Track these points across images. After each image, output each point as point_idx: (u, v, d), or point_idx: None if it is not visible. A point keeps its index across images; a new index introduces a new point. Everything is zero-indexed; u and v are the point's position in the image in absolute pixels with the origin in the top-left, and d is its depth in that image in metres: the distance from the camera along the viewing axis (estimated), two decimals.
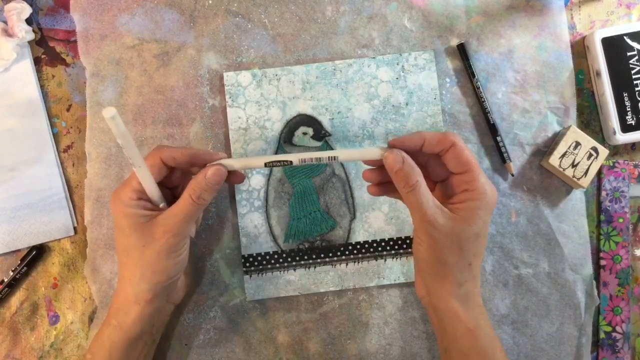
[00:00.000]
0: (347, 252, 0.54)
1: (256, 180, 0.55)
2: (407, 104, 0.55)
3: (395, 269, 0.54)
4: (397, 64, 0.55)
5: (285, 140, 0.55)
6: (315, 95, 0.55)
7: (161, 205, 0.46)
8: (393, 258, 0.54)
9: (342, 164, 0.55)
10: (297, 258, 0.54)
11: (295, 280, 0.54)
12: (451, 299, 0.44)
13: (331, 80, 0.55)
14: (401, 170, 0.43)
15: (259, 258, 0.54)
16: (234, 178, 0.48)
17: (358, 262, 0.54)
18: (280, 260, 0.54)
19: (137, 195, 0.45)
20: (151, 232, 0.44)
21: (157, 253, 0.45)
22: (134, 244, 0.45)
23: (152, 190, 0.45)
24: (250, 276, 0.54)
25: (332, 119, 0.55)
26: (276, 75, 0.55)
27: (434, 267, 0.44)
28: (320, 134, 0.55)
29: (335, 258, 0.54)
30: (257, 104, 0.55)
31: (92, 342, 0.48)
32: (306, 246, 0.54)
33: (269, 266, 0.54)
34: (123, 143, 0.41)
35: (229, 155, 0.55)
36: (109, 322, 0.47)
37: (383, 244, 0.54)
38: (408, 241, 0.54)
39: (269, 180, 0.55)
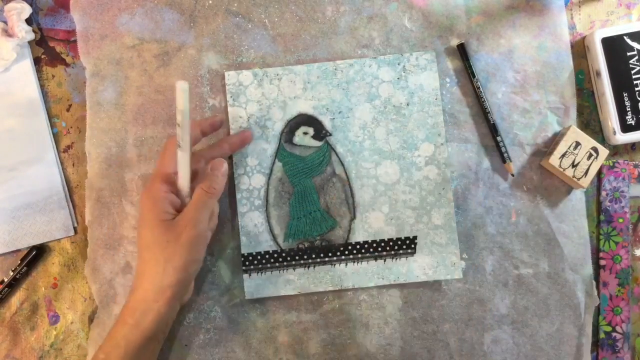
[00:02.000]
0: (346, 252, 0.54)
1: (257, 179, 0.55)
2: (408, 104, 0.55)
3: (394, 270, 0.54)
4: (399, 64, 0.55)
5: (286, 140, 0.55)
6: (316, 95, 0.55)
7: (187, 201, 0.48)
8: (392, 259, 0.54)
9: (342, 164, 0.55)
10: (297, 257, 0.54)
11: (294, 280, 0.54)
12: None
13: (332, 80, 0.55)
14: None
15: (259, 257, 0.54)
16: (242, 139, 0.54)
17: (357, 262, 0.54)
18: (280, 259, 0.54)
19: (168, 189, 0.47)
20: (174, 228, 0.46)
21: (180, 247, 0.46)
22: (158, 240, 0.46)
23: (185, 178, 0.47)
24: (250, 275, 0.54)
25: (333, 118, 0.55)
26: (277, 74, 0.55)
27: None
28: (321, 134, 0.55)
29: (334, 258, 0.54)
30: (258, 103, 0.55)
31: (104, 341, 0.48)
32: (306, 246, 0.54)
33: (269, 265, 0.54)
34: (181, 121, 0.43)
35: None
36: (124, 320, 0.47)
37: (383, 244, 0.54)
38: (408, 242, 0.54)
39: (269, 179, 0.55)
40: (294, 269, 0.54)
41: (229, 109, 0.55)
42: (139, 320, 0.46)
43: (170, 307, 0.47)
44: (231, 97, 0.55)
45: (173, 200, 0.47)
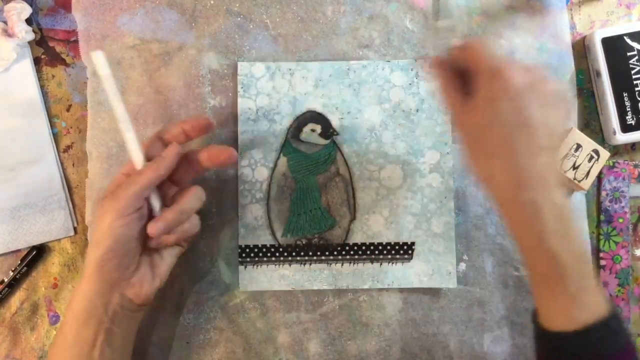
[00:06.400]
0: (343, 252, 0.54)
1: (260, 172, 0.55)
2: (417, 111, 0.55)
3: (390, 274, 0.54)
4: (412, 70, 0.55)
5: (293, 135, 0.55)
6: (327, 93, 0.55)
7: None
8: (389, 263, 0.54)
9: (347, 164, 0.54)
10: (294, 253, 0.54)
11: (289, 276, 0.54)
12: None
13: (344, 80, 0.55)
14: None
15: (255, 250, 0.54)
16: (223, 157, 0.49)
17: (354, 263, 0.54)
18: (277, 254, 0.54)
19: (126, 172, 0.47)
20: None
21: (103, 212, 0.45)
22: (95, 214, 0.47)
23: (136, 153, 0.46)
24: (245, 267, 0.54)
25: (342, 118, 0.55)
26: (290, 69, 0.55)
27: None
28: (328, 133, 0.55)
29: (331, 257, 0.54)
30: (269, 96, 0.55)
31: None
32: (303, 242, 0.54)
33: (265, 259, 0.54)
34: (107, 89, 0.45)
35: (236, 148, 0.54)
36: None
37: (380, 247, 0.54)
38: (405, 247, 0.54)
39: (272, 173, 0.54)
40: (289, 265, 0.54)
41: (239, 99, 0.55)
42: (70, 300, 0.46)
43: (93, 286, 0.45)
44: (242, 87, 0.55)
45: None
